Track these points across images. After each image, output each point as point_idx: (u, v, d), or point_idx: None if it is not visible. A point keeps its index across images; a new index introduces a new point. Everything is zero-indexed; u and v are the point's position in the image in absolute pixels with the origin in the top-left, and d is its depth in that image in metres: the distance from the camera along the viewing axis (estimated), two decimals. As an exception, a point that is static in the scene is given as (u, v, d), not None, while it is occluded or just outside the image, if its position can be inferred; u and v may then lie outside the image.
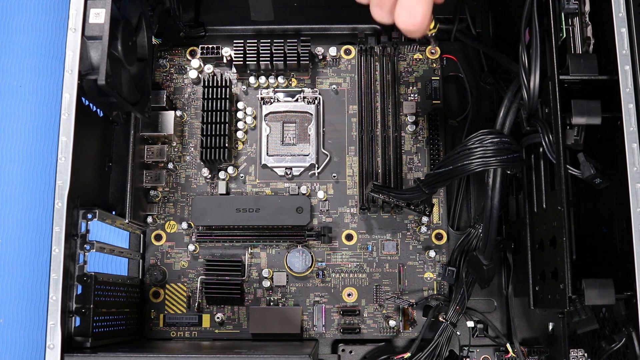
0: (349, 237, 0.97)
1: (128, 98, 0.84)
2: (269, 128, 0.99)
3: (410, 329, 0.94)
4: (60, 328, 0.71)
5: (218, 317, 0.95)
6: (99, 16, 0.77)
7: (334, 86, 1.01)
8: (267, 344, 0.89)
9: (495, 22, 1.04)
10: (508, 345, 0.92)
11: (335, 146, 0.99)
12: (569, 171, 0.74)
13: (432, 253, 0.95)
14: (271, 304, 0.96)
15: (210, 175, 0.98)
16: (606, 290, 0.71)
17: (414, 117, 0.99)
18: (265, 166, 0.99)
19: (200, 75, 1.01)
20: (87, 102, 0.80)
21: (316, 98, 1.00)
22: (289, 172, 0.98)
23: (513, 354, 0.91)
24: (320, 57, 1.01)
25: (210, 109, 0.96)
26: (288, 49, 0.98)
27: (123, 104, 0.83)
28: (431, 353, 0.88)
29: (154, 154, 0.97)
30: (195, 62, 1.01)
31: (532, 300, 0.85)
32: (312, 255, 0.95)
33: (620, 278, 0.72)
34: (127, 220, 0.91)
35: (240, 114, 0.99)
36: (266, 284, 0.95)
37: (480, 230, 0.90)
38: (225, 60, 1.00)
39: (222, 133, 0.95)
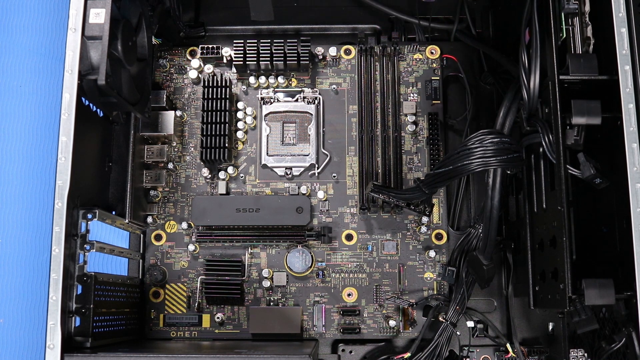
0: (349, 237, 0.97)
1: (128, 98, 0.84)
2: (269, 128, 0.99)
3: (410, 329, 0.94)
4: (60, 328, 0.71)
5: (218, 317, 0.95)
6: (99, 16, 0.77)
7: (334, 86, 1.01)
8: (268, 344, 0.89)
9: (495, 22, 1.04)
10: (508, 345, 0.92)
11: (335, 146, 0.99)
12: (569, 171, 0.74)
13: (432, 253, 0.95)
14: (271, 304, 0.96)
15: (210, 175, 0.98)
16: (606, 290, 0.71)
17: (414, 117, 0.99)
18: (265, 166, 0.99)
19: (200, 75, 1.01)
20: (87, 102, 0.80)
21: (316, 98, 1.00)
22: (289, 172, 0.98)
23: (513, 354, 0.91)
24: (320, 57, 1.01)
25: (210, 109, 0.96)
26: (288, 49, 0.98)
27: (123, 104, 0.83)
28: (431, 353, 0.88)
29: (153, 154, 0.97)
30: (195, 62, 1.01)
31: (532, 300, 0.85)
32: (312, 256, 0.95)
33: (620, 278, 0.72)
34: (127, 220, 0.91)
35: (240, 114, 0.99)
36: (266, 284, 0.95)
37: (480, 230, 0.90)
38: (225, 60, 1.00)
39: (222, 133, 0.95)
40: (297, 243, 0.96)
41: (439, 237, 0.96)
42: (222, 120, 0.96)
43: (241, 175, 0.99)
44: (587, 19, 0.78)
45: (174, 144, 0.99)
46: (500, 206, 0.82)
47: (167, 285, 0.97)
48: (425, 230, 0.96)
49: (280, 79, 1.00)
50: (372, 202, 0.95)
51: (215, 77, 0.97)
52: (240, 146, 1.00)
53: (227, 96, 0.96)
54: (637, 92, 0.71)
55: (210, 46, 1.00)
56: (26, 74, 1.52)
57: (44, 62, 1.52)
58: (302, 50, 0.98)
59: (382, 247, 0.96)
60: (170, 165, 0.98)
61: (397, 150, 0.97)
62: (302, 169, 0.98)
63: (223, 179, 0.98)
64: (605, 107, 0.74)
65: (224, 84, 0.97)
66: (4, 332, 1.36)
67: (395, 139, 0.98)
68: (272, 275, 0.96)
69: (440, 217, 0.97)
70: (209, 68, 1.01)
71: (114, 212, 0.88)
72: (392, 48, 1.00)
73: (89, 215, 0.79)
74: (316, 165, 0.98)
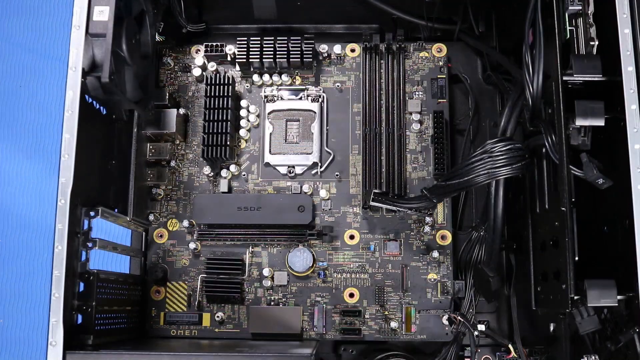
0: (351, 237, 0.96)
1: (131, 96, 0.84)
2: (272, 126, 0.99)
3: (412, 330, 0.94)
4: (63, 325, 0.71)
5: (218, 316, 0.95)
6: (103, 14, 0.77)
7: (338, 84, 1.01)
8: (269, 343, 0.89)
9: (499, 22, 1.04)
10: (510, 346, 0.92)
11: (339, 145, 0.99)
12: (572, 172, 0.74)
13: (435, 254, 0.95)
14: (272, 303, 0.96)
15: (212, 174, 0.98)
16: (608, 291, 0.71)
17: (419, 115, 0.99)
18: (267, 164, 0.99)
19: (204, 73, 1.01)
20: (90, 100, 0.80)
21: (320, 96, 1.00)
22: (291, 171, 0.98)
23: (515, 354, 0.92)
24: (325, 55, 1.01)
25: (212, 106, 0.96)
26: (292, 47, 0.98)
27: (126, 102, 0.83)
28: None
29: (156, 152, 0.97)
30: (199, 60, 1.01)
31: (533, 301, 0.85)
32: (313, 255, 0.95)
33: (622, 279, 0.72)
34: (129, 218, 0.91)
35: (243, 112, 0.99)
36: (267, 283, 0.95)
37: (482, 233, 0.90)
38: (229, 59, 1.00)
39: (224, 131, 0.95)
40: (299, 242, 0.96)
41: (443, 237, 0.96)
42: (225, 118, 0.96)
43: (243, 173, 0.99)
44: (591, 19, 0.78)
45: (177, 142, 0.99)
46: (504, 216, 0.82)
47: (168, 284, 0.97)
48: (429, 231, 0.96)
49: (284, 77, 1.00)
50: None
51: (218, 74, 0.97)
52: (243, 144, 1.00)
53: (230, 94, 0.97)
54: (641, 93, 0.72)
55: (214, 44, 1.00)
56: (26, 74, 1.52)
57: (44, 62, 1.52)
58: (305, 48, 0.98)
59: (385, 247, 0.96)
60: (173, 163, 0.98)
61: (401, 149, 0.97)
62: (305, 168, 0.98)
63: (225, 177, 0.98)
64: (608, 108, 0.74)
65: (227, 82, 0.97)
66: (4, 332, 1.36)
67: (400, 137, 0.98)
68: (273, 274, 0.96)
69: (445, 217, 0.96)
70: (212, 66, 1.01)
71: (116, 210, 0.88)
72: (398, 46, 1.00)
73: (92, 213, 0.79)
74: (319, 164, 0.98)
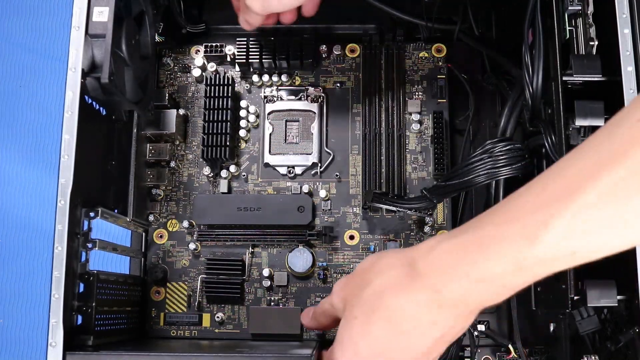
0: (351, 237, 0.96)
1: (131, 96, 0.84)
2: (272, 126, 0.99)
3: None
4: (63, 326, 0.71)
5: (218, 317, 0.95)
6: (103, 14, 0.77)
7: (338, 84, 1.01)
8: (268, 343, 0.89)
9: (499, 22, 1.04)
10: (510, 346, 0.92)
11: (339, 145, 0.99)
12: (572, 172, 0.74)
13: (434, 253, 0.95)
14: (271, 304, 0.96)
15: (212, 174, 0.98)
16: (608, 291, 0.71)
17: (419, 115, 0.99)
18: (267, 165, 0.99)
19: (203, 74, 1.01)
20: (89, 100, 0.80)
21: (320, 96, 1.00)
22: (291, 171, 0.98)
23: (515, 354, 0.91)
24: (324, 55, 1.01)
25: (212, 107, 0.96)
26: (291, 47, 0.98)
27: (126, 103, 0.83)
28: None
29: (156, 153, 0.97)
30: (199, 61, 1.01)
31: (533, 301, 0.85)
32: (313, 255, 0.95)
33: (622, 279, 0.72)
34: (129, 219, 0.91)
35: (243, 113, 0.99)
36: (266, 283, 0.95)
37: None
38: (228, 59, 1.00)
39: (224, 131, 0.95)
40: (299, 243, 0.96)
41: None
42: (224, 118, 0.96)
43: (243, 174, 0.99)
44: (591, 19, 0.79)
45: (177, 143, 0.99)
46: None
47: (168, 284, 0.97)
48: (429, 231, 0.96)
49: (284, 78, 1.00)
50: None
51: (218, 75, 0.97)
52: (242, 145, 1.00)
53: (230, 94, 0.97)
54: (641, 94, 0.72)
55: (213, 44, 1.00)
56: (26, 74, 1.52)
57: (44, 62, 1.52)
58: (305, 48, 0.98)
59: (385, 247, 0.96)
60: (173, 164, 0.98)
61: (401, 150, 0.97)
62: (305, 168, 0.98)
63: (225, 178, 0.98)
64: (608, 108, 0.74)
65: (226, 83, 0.97)
66: (4, 332, 1.36)
67: (400, 137, 0.98)
68: (273, 275, 0.96)
69: (445, 218, 0.96)
70: (212, 66, 1.01)
71: (116, 211, 0.88)
72: (397, 46, 1.00)
73: (92, 214, 0.79)
74: (319, 164, 0.98)
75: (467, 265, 0.56)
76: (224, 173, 0.98)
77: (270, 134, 0.99)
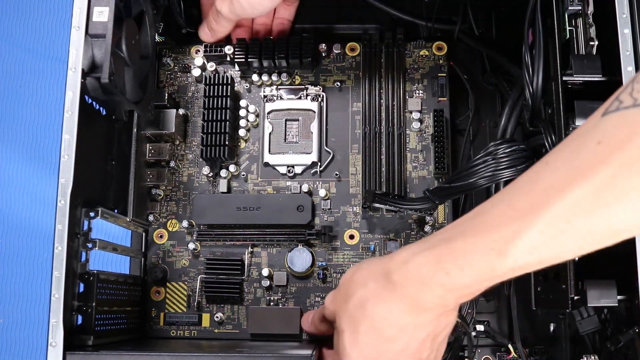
0: (351, 237, 0.96)
1: (131, 96, 0.84)
2: (272, 126, 0.99)
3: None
4: (63, 326, 0.71)
5: (217, 317, 0.95)
6: (103, 14, 0.77)
7: (338, 83, 1.01)
8: (268, 343, 0.89)
9: (498, 22, 1.04)
10: (510, 346, 0.92)
11: (339, 144, 0.99)
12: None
13: (434, 253, 0.95)
14: (271, 304, 0.96)
15: (211, 174, 0.98)
16: (608, 291, 0.71)
17: (419, 114, 0.99)
18: (267, 164, 0.99)
19: (203, 74, 1.01)
20: (89, 100, 0.80)
21: (319, 95, 1.00)
22: (291, 170, 0.98)
23: (515, 354, 0.92)
24: (324, 54, 1.01)
25: (211, 106, 0.96)
26: (291, 46, 0.98)
27: (126, 103, 0.83)
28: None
29: (156, 152, 0.97)
30: (199, 61, 1.01)
31: (533, 301, 0.85)
32: (312, 255, 0.95)
33: (622, 279, 0.72)
34: (129, 219, 0.91)
35: (242, 112, 0.99)
36: (266, 283, 0.95)
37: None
38: (228, 58, 1.00)
39: (223, 131, 0.95)
40: (298, 242, 0.96)
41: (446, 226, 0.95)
42: (224, 118, 0.96)
43: (243, 173, 0.99)
44: (591, 19, 0.79)
45: (177, 142, 0.99)
46: None
47: (168, 284, 0.97)
48: (430, 230, 0.96)
49: (284, 77, 1.00)
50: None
51: (217, 75, 0.97)
52: (242, 144, 1.00)
53: (229, 94, 0.96)
54: (641, 94, 0.71)
55: (213, 44, 1.00)
56: (26, 74, 1.52)
57: (44, 62, 1.52)
58: (305, 47, 0.98)
59: (385, 247, 0.96)
60: (173, 164, 0.98)
61: (401, 148, 0.97)
62: (305, 167, 0.98)
63: (224, 177, 0.98)
64: (608, 108, 0.74)
65: (226, 82, 0.97)
66: (4, 332, 1.36)
67: (400, 136, 0.98)
68: (272, 274, 0.96)
69: (446, 217, 0.96)
70: (211, 66, 1.01)
71: (116, 211, 0.88)
72: (397, 44, 1.00)
73: (92, 214, 0.79)
74: (319, 164, 0.98)
75: (442, 276, 0.60)
76: (223, 173, 0.98)
77: (269, 134, 0.99)
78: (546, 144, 0.78)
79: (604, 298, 0.71)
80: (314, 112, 0.99)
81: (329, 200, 0.97)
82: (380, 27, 1.04)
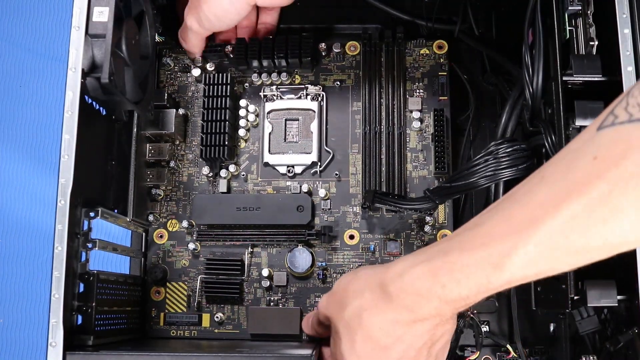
0: (351, 237, 0.96)
1: (131, 96, 0.84)
2: (271, 126, 0.99)
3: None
4: (63, 326, 0.71)
5: (217, 317, 0.95)
6: (103, 14, 0.77)
7: (338, 83, 1.00)
8: (268, 343, 0.89)
9: (498, 22, 1.04)
10: (509, 346, 0.92)
11: (338, 144, 0.99)
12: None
13: (435, 253, 0.94)
14: (271, 304, 0.96)
15: (211, 174, 0.98)
16: (608, 291, 0.71)
17: (420, 113, 0.98)
18: (267, 164, 0.98)
19: (203, 74, 1.01)
20: (89, 100, 0.80)
21: (319, 95, 1.00)
22: (290, 170, 0.98)
23: (515, 354, 0.91)
24: (324, 53, 1.01)
25: (211, 106, 0.96)
26: (290, 46, 0.98)
27: (126, 103, 0.83)
28: None
29: (156, 152, 0.97)
30: (198, 60, 1.01)
31: (533, 301, 0.85)
32: (312, 255, 0.95)
33: (622, 279, 0.72)
34: (129, 219, 0.91)
35: (242, 112, 0.99)
36: (266, 283, 0.95)
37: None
38: (228, 58, 1.00)
39: (223, 131, 0.95)
40: (298, 242, 0.96)
41: (444, 237, 0.95)
42: (224, 118, 0.96)
43: (243, 173, 0.99)
44: (591, 19, 0.79)
45: (177, 142, 0.99)
46: None
47: (168, 284, 0.97)
48: (430, 230, 0.96)
49: (283, 76, 1.00)
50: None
51: (217, 74, 0.97)
52: (242, 144, 0.99)
53: (229, 94, 0.96)
54: (641, 94, 0.71)
55: (213, 44, 1.00)
56: (26, 74, 1.52)
57: (44, 62, 1.52)
58: (304, 46, 0.98)
59: (385, 247, 0.96)
60: (173, 164, 0.98)
61: (401, 148, 0.97)
62: (305, 167, 0.98)
63: (224, 177, 0.98)
64: (608, 108, 0.74)
65: (225, 82, 0.97)
66: (4, 332, 1.36)
67: (400, 136, 0.97)
68: (272, 275, 0.96)
69: (446, 217, 0.96)
70: (211, 66, 1.01)
71: (116, 211, 0.88)
72: (398, 43, 1.00)
73: (92, 214, 0.79)
74: (318, 163, 0.98)
75: (438, 289, 0.60)
76: (223, 173, 0.98)
77: (269, 133, 0.99)
78: (546, 144, 0.78)
79: (604, 298, 0.71)
80: (314, 111, 0.99)
81: (329, 200, 0.97)
82: (380, 27, 1.03)
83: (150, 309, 0.96)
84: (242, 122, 0.99)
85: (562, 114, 0.75)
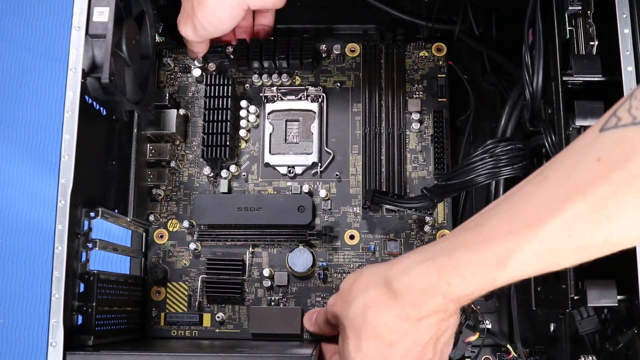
0: (352, 237, 0.96)
1: (131, 96, 0.84)
2: (272, 126, 0.99)
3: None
4: (63, 326, 0.71)
5: (219, 317, 0.95)
6: (103, 14, 0.77)
7: (338, 84, 1.01)
8: (269, 343, 0.89)
9: (498, 22, 1.04)
10: (509, 346, 0.92)
11: (339, 144, 0.99)
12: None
13: (435, 253, 0.95)
14: (272, 304, 0.96)
15: (212, 174, 0.98)
16: (608, 292, 0.71)
17: (419, 115, 0.99)
18: (267, 165, 0.99)
19: (204, 74, 1.01)
20: (90, 101, 0.80)
21: (320, 96, 1.00)
22: (291, 171, 0.98)
23: (515, 354, 0.92)
24: (324, 54, 1.01)
25: (212, 107, 0.96)
26: (291, 47, 0.98)
27: (126, 103, 0.83)
28: None
29: (156, 153, 0.97)
30: (200, 61, 1.01)
31: (533, 301, 0.85)
32: (313, 255, 0.95)
33: (622, 279, 0.72)
34: (129, 219, 0.91)
35: (243, 112, 0.99)
36: (267, 283, 0.95)
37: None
38: (228, 59, 1.01)
39: (224, 131, 0.95)
40: (299, 242, 0.96)
41: (444, 236, 0.95)
42: (224, 118, 0.96)
43: (243, 173, 0.99)
44: (591, 19, 0.79)
45: (177, 143, 0.99)
46: None
47: (169, 284, 0.97)
48: (430, 230, 0.96)
49: (284, 77, 1.00)
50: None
51: (217, 75, 0.97)
52: (242, 145, 1.00)
53: (230, 94, 0.96)
54: (641, 94, 0.72)
55: (214, 44, 1.00)
56: (26, 74, 1.52)
57: (44, 62, 1.52)
58: (305, 48, 0.98)
59: (385, 247, 0.96)
60: (173, 164, 0.98)
61: (401, 149, 0.97)
62: (305, 168, 0.98)
63: (225, 178, 0.98)
64: (608, 108, 0.73)
65: (226, 82, 0.97)
66: (4, 332, 1.36)
67: (400, 137, 0.98)
68: (273, 275, 0.96)
69: (445, 217, 0.96)
70: (212, 66, 1.01)
71: (116, 211, 0.88)
72: (397, 45, 1.00)
73: (92, 214, 0.79)
74: (319, 164, 0.98)
75: (443, 286, 0.61)
76: (224, 173, 0.98)
77: (270, 134, 0.99)
78: (546, 144, 0.78)
79: (604, 298, 0.71)
80: (314, 112, 0.99)
81: (329, 201, 0.97)
82: (380, 28, 1.04)
83: (151, 309, 0.96)
84: (242, 123, 0.99)
85: (562, 114, 0.75)
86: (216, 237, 0.96)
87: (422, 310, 0.64)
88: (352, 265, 0.96)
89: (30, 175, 1.44)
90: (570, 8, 0.78)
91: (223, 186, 0.98)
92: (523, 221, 0.56)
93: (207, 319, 0.96)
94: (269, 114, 1.00)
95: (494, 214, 0.60)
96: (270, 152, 0.99)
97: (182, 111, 0.99)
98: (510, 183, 0.90)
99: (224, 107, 0.96)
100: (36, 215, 1.42)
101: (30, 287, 1.38)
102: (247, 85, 1.01)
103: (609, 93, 0.75)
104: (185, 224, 0.96)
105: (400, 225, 0.97)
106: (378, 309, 0.66)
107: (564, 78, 0.76)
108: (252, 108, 1.00)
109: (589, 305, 0.71)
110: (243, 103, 1.00)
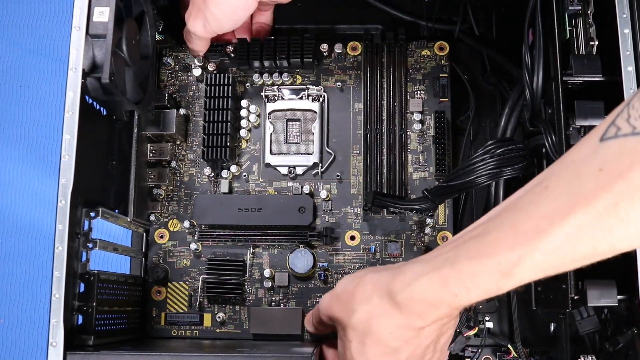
0: (352, 238, 0.96)
1: (131, 96, 0.84)
2: (273, 126, 0.99)
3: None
4: (63, 326, 0.71)
5: (219, 317, 0.95)
6: (103, 14, 0.77)
7: (339, 84, 1.00)
8: (269, 343, 0.89)
9: (499, 22, 1.04)
10: (509, 346, 0.92)
11: (340, 145, 0.99)
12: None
13: (435, 254, 0.95)
14: (272, 304, 0.96)
15: (213, 174, 0.98)
16: (608, 291, 0.71)
17: (421, 115, 0.98)
18: (268, 165, 0.99)
19: (204, 73, 1.01)
20: (90, 101, 0.80)
21: (321, 96, 1.00)
22: (292, 171, 0.98)
23: (515, 354, 0.91)
24: (326, 54, 1.01)
25: (212, 107, 0.96)
26: (292, 47, 0.98)
27: (127, 103, 0.83)
28: None
29: (157, 153, 0.97)
30: (200, 60, 1.01)
31: (533, 301, 0.85)
32: (314, 256, 0.95)
33: (622, 279, 0.72)
34: (130, 219, 0.91)
35: (243, 112, 0.99)
36: (267, 284, 0.95)
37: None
38: (229, 58, 1.00)
39: (224, 132, 0.95)
40: (300, 243, 0.96)
41: (444, 239, 0.96)
42: (225, 119, 0.96)
43: (244, 174, 0.99)
44: (591, 19, 0.79)
45: (178, 143, 0.99)
46: None
47: (169, 284, 0.97)
48: (430, 232, 0.96)
49: (285, 77, 1.00)
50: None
51: (218, 75, 0.97)
52: (243, 145, 1.00)
53: (230, 94, 0.96)
54: (641, 93, 0.72)
55: (214, 44, 1.00)
56: (26, 74, 1.52)
57: (44, 62, 1.52)
58: (306, 47, 0.98)
59: (386, 248, 0.96)
60: (174, 164, 0.98)
61: (402, 149, 0.97)
62: (306, 168, 0.98)
63: (226, 178, 0.98)
64: (608, 108, 0.74)
65: (227, 82, 0.97)
66: (4, 332, 1.37)
67: (401, 137, 0.97)
68: (274, 275, 0.96)
69: (446, 219, 0.96)
70: (212, 66, 1.01)
71: (117, 211, 0.88)
72: (399, 44, 1.00)
73: (92, 214, 0.79)
74: (320, 164, 0.98)
75: (449, 297, 0.62)
76: (224, 173, 0.98)
77: (271, 134, 0.99)
78: (546, 144, 0.78)
79: (604, 298, 0.71)
80: (315, 112, 0.99)
81: (330, 202, 0.97)
82: (381, 28, 1.03)
83: (151, 309, 0.96)
84: (243, 123, 0.99)
85: (562, 114, 0.75)
86: (217, 237, 0.96)
87: (427, 320, 0.65)
88: (352, 267, 0.96)
89: (30, 175, 1.44)
90: (570, 8, 0.78)
91: (224, 186, 0.98)
92: (526, 232, 0.57)
93: (207, 319, 0.96)
94: (269, 113, 1.00)
95: (496, 224, 0.60)
96: (271, 152, 0.99)
97: (182, 111, 0.99)
98: (510, 183, 0.90)
99: (225, 107, 0.96)
100: (36, 215, 1.42)
101: (30, 287, 1.38)
102: (248, 84, 1.01)
103: (609, 93, 0.75)
104: (186, 224, 0.97)
105: (401, 227, 0.97)
106: (383, 318, 0.67)
107: (564, 78, 0.76)
108: (253, 107, 1.00)
109: (589, 305, 0.71)
110: (244, 102, 0.99)
